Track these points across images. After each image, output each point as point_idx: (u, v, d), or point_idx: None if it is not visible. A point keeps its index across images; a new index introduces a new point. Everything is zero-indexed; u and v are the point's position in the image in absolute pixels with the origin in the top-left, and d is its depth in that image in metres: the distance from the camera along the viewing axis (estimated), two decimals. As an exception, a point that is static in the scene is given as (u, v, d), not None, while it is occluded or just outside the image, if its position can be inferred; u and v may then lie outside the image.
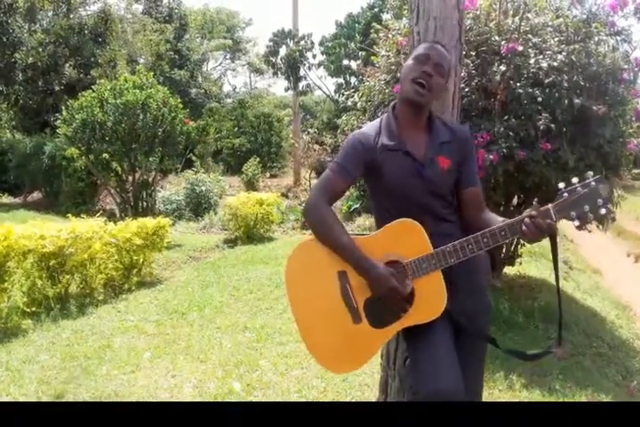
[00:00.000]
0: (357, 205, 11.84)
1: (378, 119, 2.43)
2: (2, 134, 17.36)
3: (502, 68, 4.71)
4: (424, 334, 2.20)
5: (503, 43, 4.80)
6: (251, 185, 17.96)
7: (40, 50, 15.42)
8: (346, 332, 2.22)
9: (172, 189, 13.38)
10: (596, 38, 4.85)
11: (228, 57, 36.71)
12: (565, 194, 2.00)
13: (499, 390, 3.94)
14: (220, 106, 27.24)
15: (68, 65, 15.60)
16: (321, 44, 25.70)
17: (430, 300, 2.16)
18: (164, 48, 25.54)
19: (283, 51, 22.11)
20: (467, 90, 4.85)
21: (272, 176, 24.81)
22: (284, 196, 16.58)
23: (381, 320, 2.20)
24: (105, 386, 3.89)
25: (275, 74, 22.43)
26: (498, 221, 2.21)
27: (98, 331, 5.07)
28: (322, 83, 47.82)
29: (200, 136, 22.97)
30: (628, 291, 8.33)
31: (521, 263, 6.63)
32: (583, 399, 3.92)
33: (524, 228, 2.02)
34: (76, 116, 8.91)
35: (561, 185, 2.03)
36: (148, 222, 6.79)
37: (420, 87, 2.23)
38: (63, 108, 9.38)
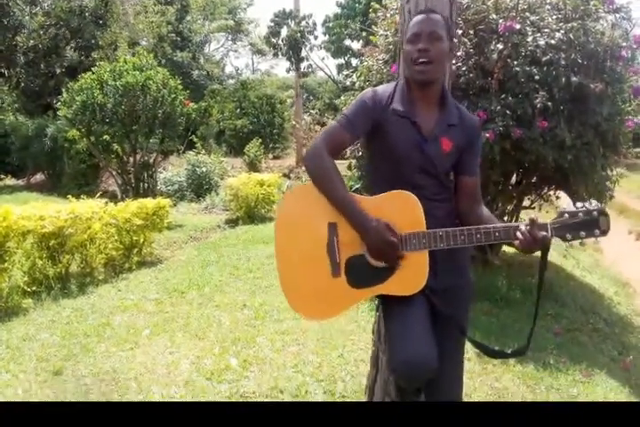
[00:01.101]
0: (358, 186, 11.84)
1: (393, 83, 2.41)
2: (5, 117, 17.34)
3: (500, 46, 4.69)
4: (400, 308, 2.21)
5: (501, 21, 4.78)
6: (253, 166, 17.93)
7: (41, 32, 15.34)
8: (322, 282, 2.23)
9: (173, 170, 13.38)
10: (595, 16, 4.82)
11: (229, 38, 36.53)
12: (566, 215, 2.05)
13: (493, 364, 3.98)
14: (222, 87, 27.14)
15: (69, 47, 15.53)
16: (323, 24, 25.50)
17: (410, 276, 2.17)
18: (166, 30, 25.38)
19: (284, 32, 21.91)
20: (464, 69, 4.84)
21: (275, 157, 24.76)
22: (286, 176, 16.59)
23: (359, 281, 2.21)
24: (103, 363, 3.94)
25: (276, 55, 22.28)
26: (493, 221, 2.24)
27: (98, 309, 5.11)
28: (324, 64, 47.47)
29: (202, 118, 22.95)
30: (628, 268, 8.37)
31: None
32: (577, 374, 3.96)
33: (518, 235, 2.05)
34: (76, 98, 8.90)
35: (565, 205, 2.09)
36: (148, 203, 6.81)
37: (422, 65, 2.20)
38: (63, 90, 9.37)
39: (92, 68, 9.43)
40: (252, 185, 9.99)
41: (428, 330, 2.16)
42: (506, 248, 7.00)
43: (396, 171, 2.32)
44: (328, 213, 2.23)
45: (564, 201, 6.46)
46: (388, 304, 2.29)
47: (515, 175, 5.54)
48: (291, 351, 4.12)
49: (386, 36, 5.57)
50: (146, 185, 9.53)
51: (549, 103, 4.53)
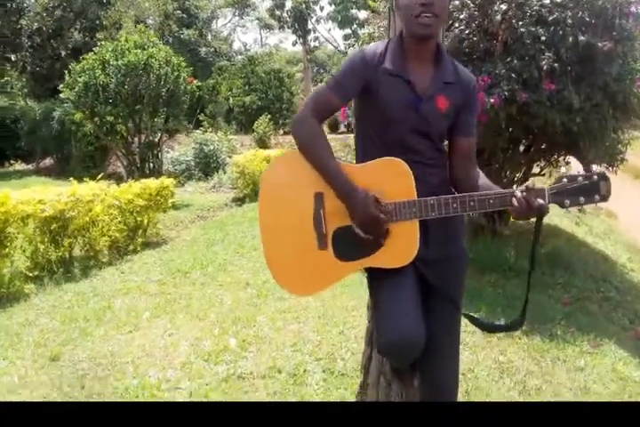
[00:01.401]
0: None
1: (384, 41, 2.23)
2: (16, 102, 17.30)
3: (503, 6, 4.46)
4: (388, 282, 2.08)
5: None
6: (262, 143, 17.74)
7: (45, 15, 15.16)
8: (308, 255, 2.11)
9: (180, 149, 13.26)
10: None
11: (237, 13, 36.03)
12: (565, 180, 1.92)
13: (497, 338, 3.84)
14: (231, 64, 26.82)
15: (73, 29, 15.34)
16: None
17: (401, 247, 2.03)
18: (172, 7, 25.13)
19: (289, 4, 21.52)
20: (467, 32, 4.63)
21: (285, 133, 24.48)
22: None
23: (346, 253, 2.08)
24: (101, 347, 3.86)
25: (281, 28, 21.92)
26: (488, 186, 2.08)
27: (100, 293, 5.04)
28: (330, 35, 46.79)
29: (210, 95, 22.74)
30: (644, 235, 8.17)
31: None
32: (585, 345, 3.82)
33: (514, 201, 1.91)
34: (79, 80, 8.76)
35: (564, 170, 2.00)
36: (151, 183, 6.70)
37: (426, 19, 2.00)
38: (66, 71, 9.22)
39: (94, 49, 9.28)
40: (259, 162, 9.85)
41: (416, 306, 2.03)
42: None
43: (388, 133, 2.16)
44: (314, 182, 2.08)
45: (575, 167, 6.29)
46: (375, 277, 2.16)
47: (523, 142, 5.34)
48: (291, 330, 4.01)
49: (386, 1, 5.34)
50: (151, 165, 9.40)
51: (556, 65, 4.33)
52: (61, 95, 9.05)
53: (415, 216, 2.01)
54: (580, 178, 1.90)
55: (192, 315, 4.41)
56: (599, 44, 4.24)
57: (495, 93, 4.31)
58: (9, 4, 14.59)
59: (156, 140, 9.73)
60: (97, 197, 5.91)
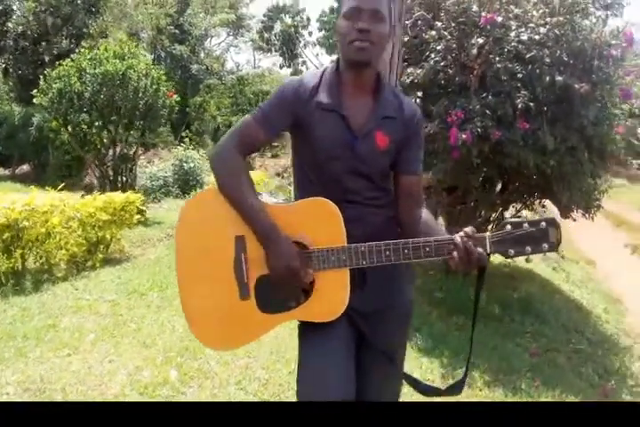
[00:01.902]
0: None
1: (320, 69, 2.07)
2: (2, 106, 17.03)
3: (480, 40, 4.37)
4: (315, 336, 1.90)
5: (483, 14, 4.46)
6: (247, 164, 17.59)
7: (31, 18, 15.01)
8: (229, 305, 1.91)
9: (160, 164, 13.08)
10: (584, 11, 4.49)
11: (231, 33, 36.05)
12: (509, 226, 1.74)
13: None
14: (221, 83, 26.75)
15: (59, 35, 15.19)
16: (318, 19, 25.12)
17: (328, 300, 1.85)
18: (165, 22, 25.08)
19: (278, 27, 21.56)
20: (443, 64, 4.53)
21: (273, 156, 24.33)
22: (279, 175, 16.27)
23: (270, 305, 1.89)
24: (34, 370, 3.62)
25: (269, 51, 21.92)
26: (430, 231, 1.90)
27: (47, 309, 4.80)
28: (318, 61, 47.09)
29: (197, 113, 22.63)
30: (622, 283, 8.05)
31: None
32: (549, 400, 3.65)
33: (453, 250, 1.73)
34: (53, 86, 8.59)
35: (507, 215, 1.78)
36: (117, 197, 6.51)
37: (361, 43, 1.87)
38: (41, 77, 9.06)
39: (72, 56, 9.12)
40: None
41: (345, 363, 1.86)
42: (492, 258, 6.69)
43: (323, 172, 1.99)
44: (235, 223, 1.89)
45: (551, 211, 6.18)
46: (304, 329, 1.97)
47: (500, 181, 5.22)
48: (239, 365, 3.80)
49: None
50: (124, 179, 9.18)
51: (532, 104, 4.22)
52: (34, 100, 8.85)
53: (344, 265, 1.83)
54: (525, 224, 1.73)
55: (139, 340, 4.19)
56: (576, 86, 4.13)
57: (468, 129, 4.19)
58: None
59: (131, 153, 9.53)
60: (55, 207, 5.69)
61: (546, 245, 1.72)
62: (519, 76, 4.32)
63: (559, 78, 4.20)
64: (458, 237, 1.74)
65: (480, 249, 1.72)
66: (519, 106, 4.22)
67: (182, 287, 2.00)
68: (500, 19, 4.38)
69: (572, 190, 4.63)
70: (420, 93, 4.54)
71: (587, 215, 5.30)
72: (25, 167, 15.44)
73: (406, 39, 4.87)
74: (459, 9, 4.60)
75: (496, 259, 6.84)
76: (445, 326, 4.65)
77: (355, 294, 1.87)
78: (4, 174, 15.45)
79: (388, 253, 1.80)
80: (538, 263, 7.54)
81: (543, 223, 1.73)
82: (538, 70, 4.29)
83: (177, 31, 27.27)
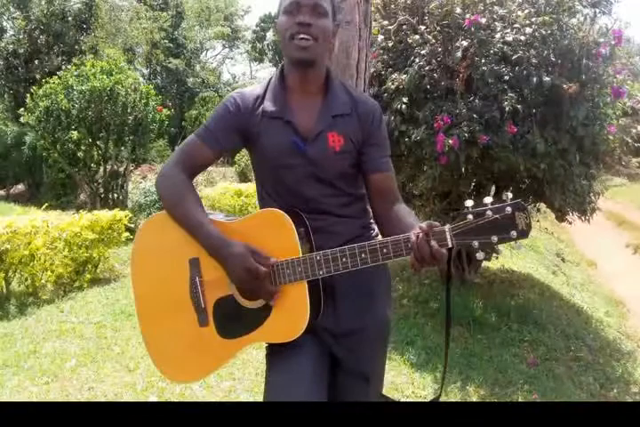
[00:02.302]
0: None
1: (267, 79, 1.95)
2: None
3: (464, 43, 4.22)
4: (282, 358, 1.76)
5: (467, 16, 4.32)
6: (243, 176, 17.47)
7: (21, 37, 14.97)
8: (188, 334, 1.80)
9: (154, 179, 12.92)
10: (571, 10, 4.34)
11: (226, 46, 36.11)
12: (470, 216, 1.53)
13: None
14: (217, 95, 26.73)
15: (51, 53, 15.15)
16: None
17: (288, 317, 1.70)
18: (159, 36, 25.12)
19: (270, 37, 21.50)
20: (427, 68, 4.38)
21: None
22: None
23: (230, 330, 1.77)
24: (10, 399, 3.47)
25: (261, 60, 21.86)
26: (407, 224, 1.73)
27: (30, 334, 4.66)
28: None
29: (193, 126, 22.54)
30: (624, 285, 7.85)
31: (497, 258, 6.14)
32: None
33: (412, 247, 1.57)
34: (40, 104, 8.50)
35: (468, 203, 1.56)
36: (103, 216, 6.37)
37: (303, 41, 1.75)
38: (27, 95, 8.97)
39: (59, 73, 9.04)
40: (230, 196, 9.58)
41: (309, 383, 1.72)
42: (490, 264, 6.52)
43: (280, 182, 1.86)
44: (188, 245, 1.77)
45: (548, 215, 6.01)
46: (271, 352, 1.84)
47: (493, 185, 5.05)
48: (222, 389, 3.63)
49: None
50: (115, 196, 9.06)
51: (519, 106, 4.07)
52: (21, 119, 8.77)
53: (301, 277, 1.68)
54: (489, 212, 1.51)
55: (122, 364, 4.04)
56: (564, 86, 3.98)
57: (455, 134, 4.04)
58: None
59: (122, 169, 9.41)
60: (37, 229, 5.56)
61: (514, 233, 1.51)
62: (506, 78, 4.16)
63: (547, 79, 4.05)
64: (413, 235, 1.56)
65: (440, 244, 1.54)
66: (507, 109, 4.06)
67: (141, 322, 1.89)
68: (483, 20, 4.23)
69: (565, 193, 4.47)
70: (405, 99, 4.37)
71: (583, 218, 5.13)
72: (20, 187, 15.33)
73: (391, 44, 4.75)
74: (442, 12, 4.46)
75: (494, 265, 6.68)
76: (440, 337, 4.48)
77: (326, 314, 1.75)
78: (-1, 194, 15.35)
79: (344, 259, 1.65)
80: (537, 267, 7.37)
81: (508, 208, 1.51)
82: (525, 71, 4.13)
83: (172, 45, 27.37)
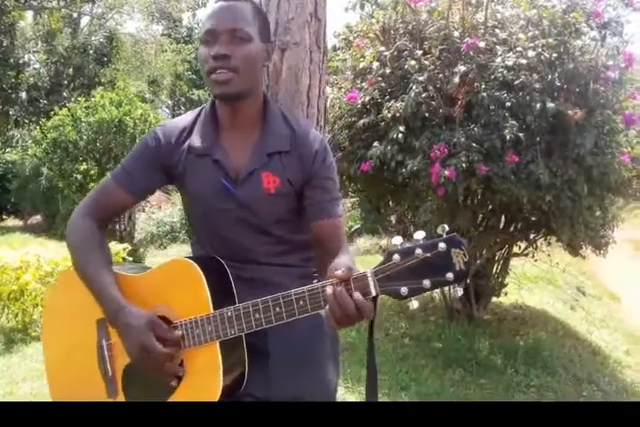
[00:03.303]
0: (358, 226, 11.13)
1: (198, 109, 1.73)
2: (17, 156, 17.17)
3: (462, 68, 3.99)
4: None
5: (466, 39, 4.11)
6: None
7: (42, 70, 15.22)
8: None
9: (167, 209, 12.87)
10: (578, 31, 4.10)
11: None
12: (396, 256, 1.28)
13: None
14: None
15: (70, 85, 15.35)
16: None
17: (199, 385, 1.46)
18: (182, 68, 25.47)
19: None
20: (425, 95, 4.15)
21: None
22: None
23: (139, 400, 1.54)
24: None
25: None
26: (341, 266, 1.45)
27: (11, 373, 4.46)
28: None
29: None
30: (649, 319, 7.39)
31: (506, 294, 5.80)
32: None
33: (328, 299, 1.32)
34: (48, 136, 8.48)
35: (397, 240, 1.31)
36: (100, 249, 6.19)
37: (221, 75, 1.52)
38: (37, 127, 9.00)
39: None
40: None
41: None
42: (502, 299, 6.16)
43: (209, 228, 1.65)
44: (96, 305, 1.55)
45: (556, 251, 5.68)
46: None
47: (494, 219, 4.77)
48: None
49: (344, 60, 4.94)
50: (123, 227, 8.94)
51: (521, 134, 3.81)
52: (29, 151, 8.78)
53: (211, 337, 1.44)
54: (418, 250, 1.26)
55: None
56: (569, 112, 3.72)
57: (452, 165, 3.79)
58: (7, 59, 14.57)
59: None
60: (28, 263, 5.39)
61: (450, 275, 1.25)
62: (507, 104, 3.91)
63: (551, 105, 3.79)
64: (329, 285, 1.31)
65: (358, 295, 1.29)
66: (508, 137, 3.80)
67: (52, 385, 1.68)
68: (483, 44, 4.01)
69: (574, 227, 4.16)
70: (402, 128, 4.14)
71: (597, 252, 4.81)
72: (37, 217, 15.42)
73: (388, 71, 4.54)
74: (440, 36, 4.25)
75: (507, 300, 6.32)
76: (439, 381, 4.16)
77: (254, 381, 1.50)
78: (17, 225, 15.43)
79: (257, 315, 1.40)
80: (554, 302, 6.98)
81: (442, 245, 1.25)
82: (527, 97, 3.88)
83: (195, 76, 27.74)
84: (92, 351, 1.58)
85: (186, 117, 1.69)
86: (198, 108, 1.71)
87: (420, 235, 1.29)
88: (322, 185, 1.63)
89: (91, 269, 1.55)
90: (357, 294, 1.28)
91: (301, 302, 1.35)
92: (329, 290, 1.30)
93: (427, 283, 1.26)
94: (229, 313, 1.42)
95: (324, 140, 1.69)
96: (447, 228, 1.29)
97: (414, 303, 1.28)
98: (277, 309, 1.37)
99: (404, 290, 1.27)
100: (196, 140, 1.61)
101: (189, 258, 1.52)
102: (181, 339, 1.47)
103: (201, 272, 1.46)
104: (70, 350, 1.63)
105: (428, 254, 1.25)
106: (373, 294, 1.29)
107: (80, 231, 1.61)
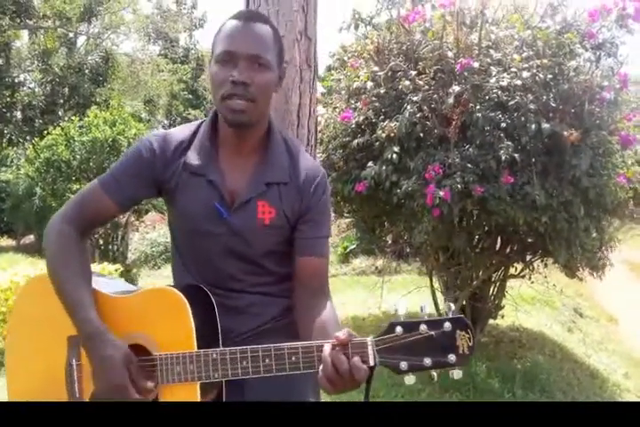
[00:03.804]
0: (354, 246, 11.05)
1: (196, 122, 1.64)
2: (11, 176, 17.13)
3: (457, 88, 3.96)
4: None
5: (461, 60, 4.08)
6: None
7: (37, 89, 15.22)
8: None
9: (161, 229, 12.78)
10: (572, 52, 4.08)
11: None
12: (399, 329, 1.25)
13: None
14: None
15: (65, 105, 15.34)
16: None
17: None
18: (178, 88, 25.56)
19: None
20: (419, 115, 4.12)
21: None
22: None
23: None
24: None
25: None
26: (324, 332, 1.41)
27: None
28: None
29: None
30: (647, 343, 7.30)
31: (503, 316, 5.73)
32: None
33: (321, 366, 1.26)
34: (40, 155, 8.42)
35: (400, 309, 1.28)
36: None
37: (237, 103, 1.44)
38: (30, 146, 8.95)
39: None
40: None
41: None
42: (500, 321, 6.07)
43: (194, 252, 1.57)
44: (69, 320, 1.44)
45: (552, 272, 5.61)
46: None
47: (489, 240, 4.72)
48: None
49: (339, 80, 4.92)
50: (115, 248, 8.84)
51: (516, 155, 3.77)
52: (21, 171, 8.71)
53: (192, 378, 1.36)
54: (423, 326, 1.23)
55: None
56: (565, 133, 3.68)
57: (447, 185, 3.74)
58: (3, 78, 14.57)
59: (122, 220, 9.22)
60: (17, 284, 5.31)
61: (452, 357, 1.23)
62: (502, 125, 3.88)
63: (546, 126, 3.76)
64: (327, 346, 1.25)
65: (358, 361, 1.23)
66: (503, 158, 3.76)
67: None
68: (476, 64, 3.99)
69: (571, 248, 4.11)
70: (396, 148, 4.10)
71: (594, 274, 4.75)
72: (31, 237, 15.31)
73: (383, 91, 4.51)
74: (434, 56, 4.23)
75: (503, 322, 6.24)
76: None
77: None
78: (10, 245, 15.30)
79: (245, 362, 1.33)
80: (552, 324, 6.90)
81: (447, 324, 1.23)
82: (522, 118, 3.85)
83: (191, 96, 27.82)
84: (60, 369, 1.48)
85: (183, 130, 1.60)
86: (196, 123, 1.62)
87: (426, 308, 1.27)
88: (315, 219, 1.57)
89: (68, 282, 1.45)
90: (357, 359, 1.23)
91: (293, 358, 1.30)
92: (327, 349, 1.25)
93: (428, 361, 1.23)
94: (214, 355, 1.35)
95: (325, 175, 1.63)
96: (453, 306, 1.28)
97: (411, 378, 1.25)
98: (267, 360, 1.31)
99: (403, 365, 1.24)
100: (192, 158, 1.53)
101: (175, 287, 1.44)
102: (160, 373, 1.38)
103: (188, 306, 1.39)
104: (36, 365, 1.52)
105: (433, 333, 1.23)
106: (371, 364, 1.24)
107: (59, 238, 1.51)
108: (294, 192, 1.55)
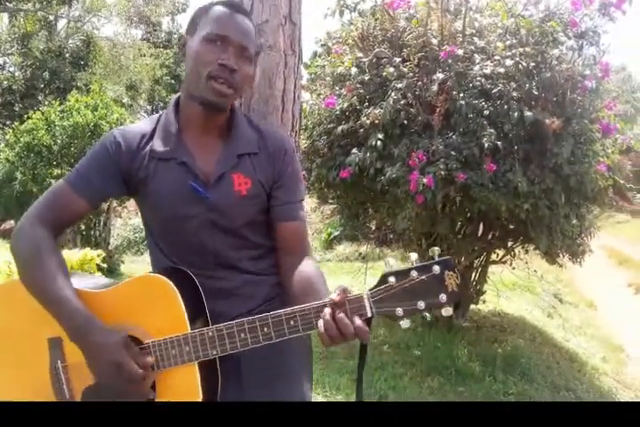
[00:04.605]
0: (337, 233, 11.10)
1: (157, 115, 1.66)
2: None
3: (441, 75, 3.98)
4: None
5: (445, 47, 4.10)
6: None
7: (17, 73, 14.99)
8: None
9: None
10: (555, 41, 4.11)
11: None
12: (392, 278, 1.31)
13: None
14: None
15: (46, 90, 15.12)
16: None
17: None
18: (160, 73, 25.28)
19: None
20: (403, 102, 4.14)
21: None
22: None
23: None
24: None
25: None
26: (316, 290, 1.45)
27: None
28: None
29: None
30: (624, 328, 7.43)
31: (484, 302, 5.80)
32: None
33: (320, 322, 1.30)
34: (21, 140, 8.33)
35: (391, 261, 1.34)
36: (73, 255, 6.06)
37: (222, 86, 1.48)
38: (10, 131, 8.83)
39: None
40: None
41: None
42: (481, 306, 6.15)
43: (174, 234, 1.57)
44: (47, 322, 1.43)
45: (533, 258, 5.69)
46: None
47: (471, 226, 4.77)
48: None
49: (323, 66, 4.91)
50: (97, 233, 8.80)
51: (499, 143, 3.81)
52: (1, 156, 8.60)
53: (189, 358, 1.37)
54: (413, 272, 1.29)
55: None
56: (547, 121, 3.72)
57: (430, 172, 3.77)
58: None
59: (105, 206, 9.16)
60: None
61: (444, 296, 1.30)
62: (485, 112, 3.92)
63: (529, 114, 3.80)
64: (326, 305, 1.31)
65: (358, 320, 1.29)
66: (486, 145, 3.80)
67: None
68: (461, 52, 4.01)
69: (552, 235, 4.17)
70: (381, 135, 4.12)
71: (574, 260, 4.83)
72: (12, 222, 15.13)
73: (367, 78, 4.52)
74: (419, 43, 4.24)
75: (485, 307, 6.32)
76: (418, 389, 4.13)
77: (229, 397, 1.47)
78: (-11, 230, 15.14)
79: (243, 335, 1.35)
80: (532, 309, 7.01)
81: (436, 267, 1.29)
82: (505, 106, 3.89)
83: (174, 82, 27.54)
84: (44, 374, 1.46)
85: (145, 123, 1.63)
86: (156, 115, 1.64)
87: (414, 256, 1.33)
88: (287, 185, 1.61)
89: (45, 279, 1.42)
90: (357, 319, 1.28)
91: (292, 322, 1.32)
92: (326, 311, 1.29)
93: (421, 304, 1.30)
94: (210, 333, 1.36)
95: (292, 141, 1.69)
96: (438, 250, 1.32)
97: (406, 322, 1.31)
98: (265, 329, 1.33)
99: (399, 311, 1.30)
100: (158, 145, 1.55)
101: (159, 273, 1.44)
102: (155, 360, 1.39)
103: (175, 289, 1.39)
104: (18, 374, 1.50)
105: (424, 277, 1.29)
106: (369, 315, 1.30)
107: (30, 239, 1.48)
108: (265, 161, 1.59)
